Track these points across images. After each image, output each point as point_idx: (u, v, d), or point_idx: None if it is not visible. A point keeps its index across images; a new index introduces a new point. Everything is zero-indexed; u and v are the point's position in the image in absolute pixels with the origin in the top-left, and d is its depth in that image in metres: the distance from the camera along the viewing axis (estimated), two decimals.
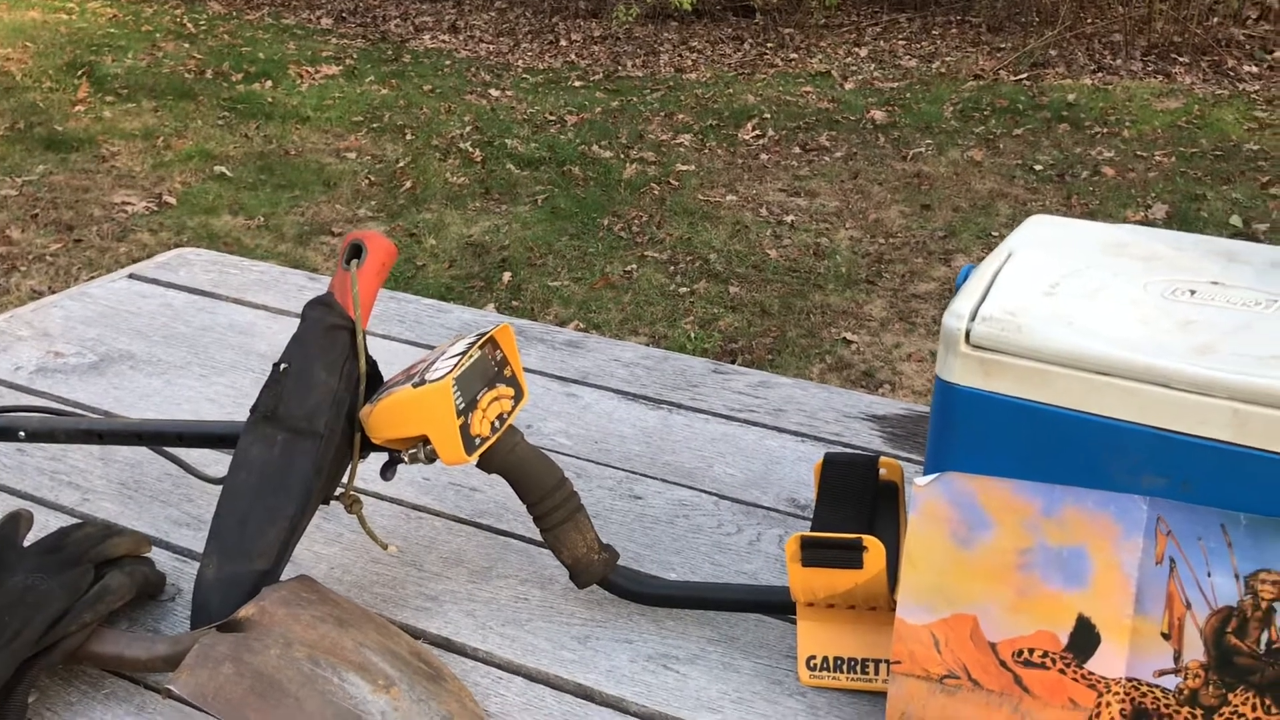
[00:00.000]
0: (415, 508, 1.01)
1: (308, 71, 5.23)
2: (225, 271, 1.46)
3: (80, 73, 4.97)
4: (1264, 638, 0.67)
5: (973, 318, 0.72)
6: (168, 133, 4.47)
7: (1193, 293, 0.75)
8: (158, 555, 0.93)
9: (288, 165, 4.20)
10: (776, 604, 0.84)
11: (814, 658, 0.82)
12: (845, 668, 0.81)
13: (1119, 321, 0.71)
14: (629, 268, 3.47)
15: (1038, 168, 4.27)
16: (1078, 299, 0.74)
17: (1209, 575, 0.68)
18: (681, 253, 3.59)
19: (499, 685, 0.82)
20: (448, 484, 1.04)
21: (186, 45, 5.59)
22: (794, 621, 0.85)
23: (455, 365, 0.81)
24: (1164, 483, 0.68)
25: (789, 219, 3.86)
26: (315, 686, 0.72)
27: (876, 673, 0.81)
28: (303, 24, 6.10)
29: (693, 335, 3.12)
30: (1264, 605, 0.67)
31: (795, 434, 1.14)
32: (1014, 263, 0.78)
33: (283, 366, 0.85)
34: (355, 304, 0.86)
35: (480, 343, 0.84)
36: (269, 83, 5.08)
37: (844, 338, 3.12)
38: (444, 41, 5.91)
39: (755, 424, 1.16)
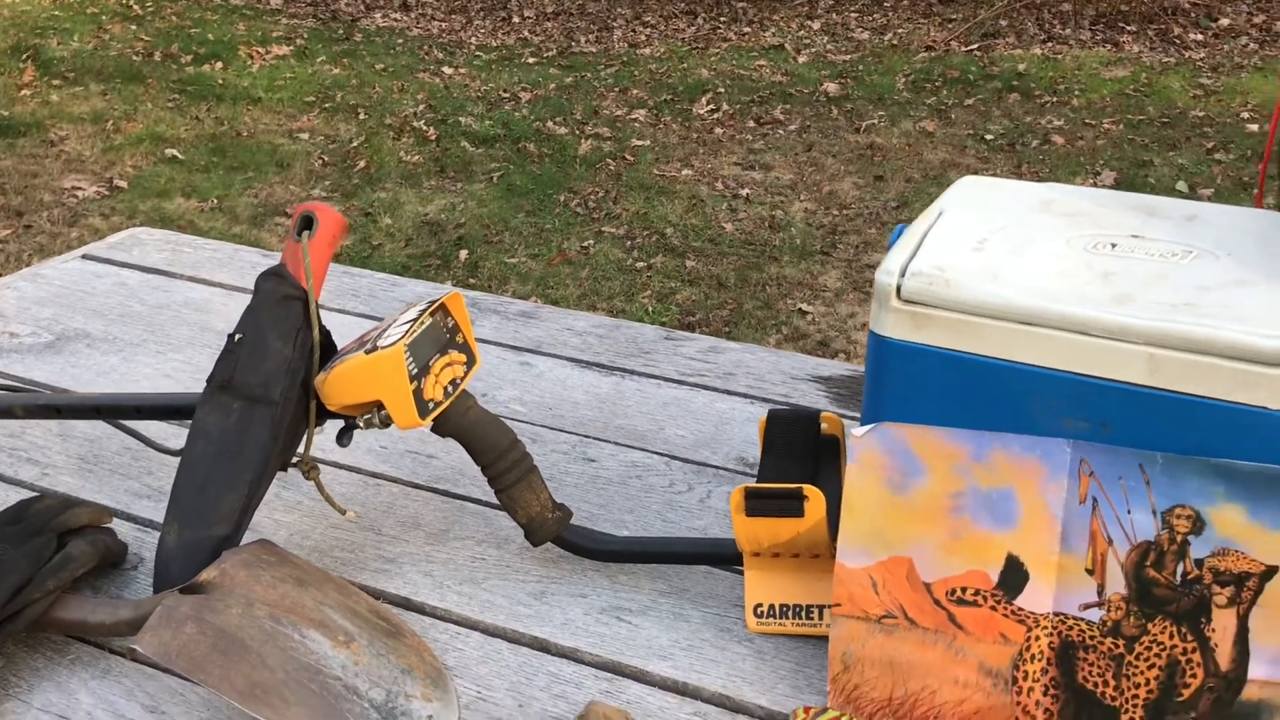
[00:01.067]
0: (373, 475, 1.03)
1: (258, 52, 5.19)
2: (179, 250, 1.47)
3: (25, 56, 4.91)
4: (1179, 569, 0.71)
5: (903, 274, 0.75)
6: (117, 116, 4.43)
7: (1113, 246, 0.78)
8: (120, 526, 0.95)
9: (240, 147, 4.18)
10: (724, 555, 0.87)
11: (761, 605, 0.85)
12: (791, 614, 0.85)
13: (1042, 274, 0.74)
14: (586, 243, 3.49)
15: (989, 137, 4.32)
16: (1004, 254, 0.77)
17: (1129, 512, 0.72)
18: (638, 228, 3.61)
19: (457, 640, 0.85)
20: (405, 451, 1.06)
21: (134, 27, 5.53)
22: (741, 572, 0.88)
23: (407, 332, 0.83)
24: (1086, 426, 0.72)
25: (744, 192, 3.89)
26: (277, 643, 0.75)
27: (820, 617, 0.84)
28: (252, 4, 6.04)
29: (650, 309, 3.14)
30: (1179, 539, 0.71)
31: (744, 396, 1.17)
32: (944, 221, 0.82)
33: (237, 337, 0.87)
34: (307, 274, 0.88)
35: (431, 309, 0.86)
36: (219, 64, 5.04)
37: (799, 309, 3.16)
38: (395, 20, 5.88)
39: (706, 388, 1.19)
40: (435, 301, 0.87)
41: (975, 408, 0.74)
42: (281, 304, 0.87)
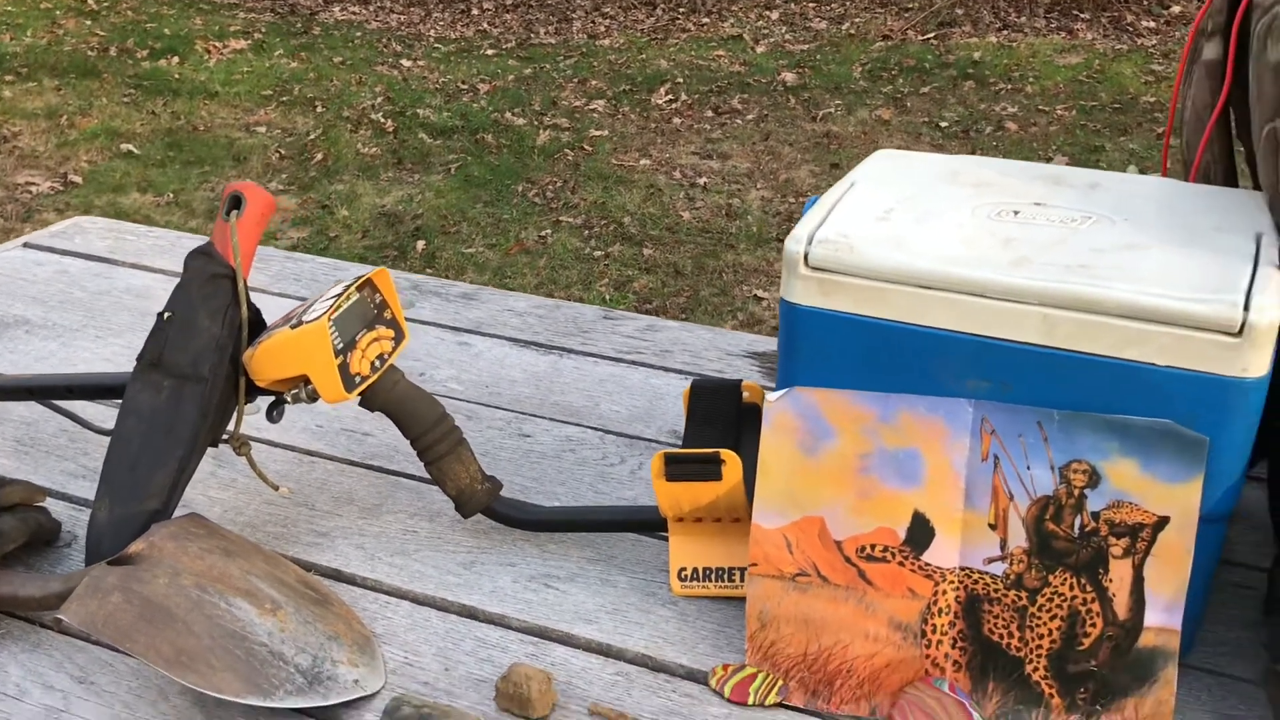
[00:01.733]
0: (308, 453, 1.04)
1: (215, 46, 5.16)
2: (122, 238, 1.47)
3: None
4: (1077, 522, 0.74)
5: (810, 241, 0.77)
6: (71, 111, 4.40)
7: (1016, 213, 0.80)
8: (55, 506, 0.96)
9: (196, 141, 4.16)
10: (649, 522, 0.90)
11: (684, 569, 0.87)
12: (713, 577, 0.87)
13: (945, 241, 0.77)
14: (544, 233, 3.50)
15: (944, 124, 4.36)
16: (909, 222, 0.79)
17: (1028, 468, 0.74)
18: (596, 217, 3.63)
19: (386, 609, 0.86)
20: (340, 429, 1.08)
21: (88, 22, 5.48)
22: (666, 539, 0.90)
23: (332, 306, 0.85)
24: (987, 386, 0.74)
25: (702, 181, 3.91)
26: (203, 611, 0.76)
27: (741, 579, 0.86)
28: None
29: (608, 298, 3.16)
30: (1076, 493, 0.73)
31: (680, 372, 1.19)
32: (854, 192, 0.84)
33: (166, 315, 0.88)
34: (235, 252, 0.89)
35: (357, 285, 0.88)
36: (175, 59, 5.01)
37: (755, 295, 3.19)
38: (354, 13, 5.86)
39: (642, 364, 1.21)
40: (361, 277, 0.88)
41: (882, 371, 0.76)
42: (210, 282, 0.88)
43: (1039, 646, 0.75)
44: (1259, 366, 0.69)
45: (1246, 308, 0.68)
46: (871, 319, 0.76)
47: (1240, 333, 0.68)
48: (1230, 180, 0.90)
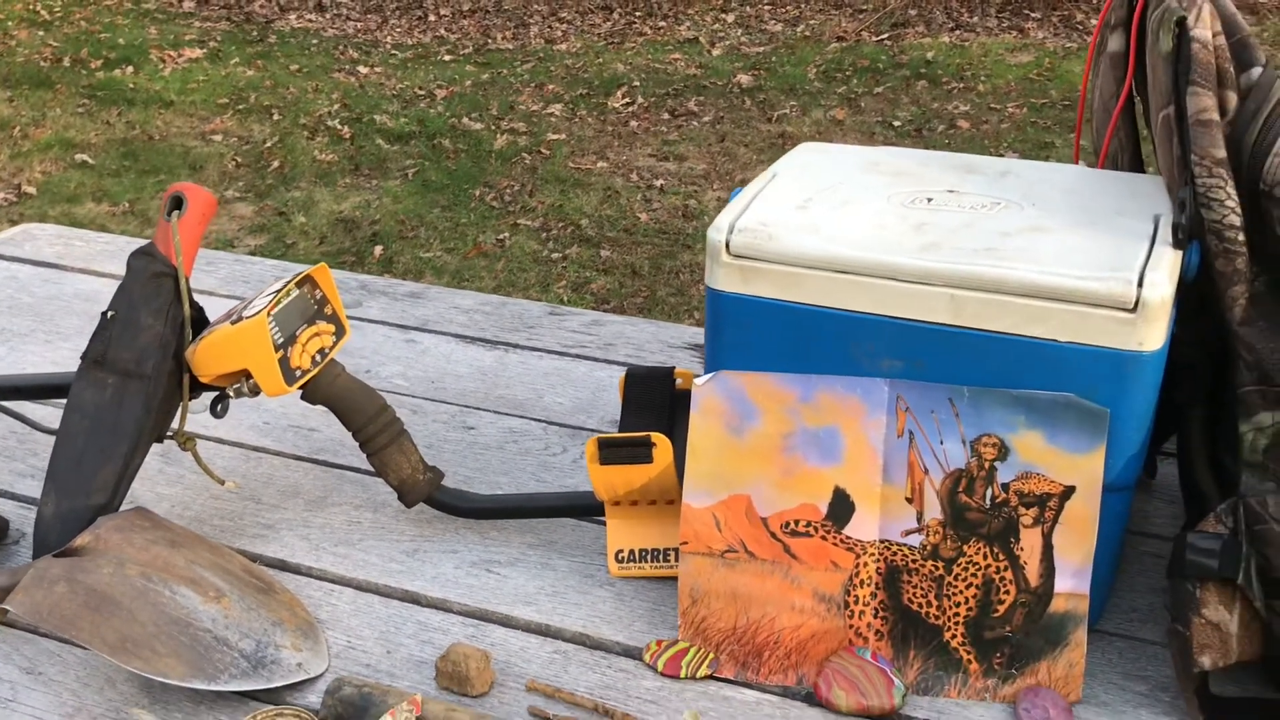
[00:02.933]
0: (255, 448, 1.06)
1: (170, 55, 5.14)
2: (71, 244, 1.48)
3: None
4: (989, 494, 0.77)
5: (731, 230, 0.80)
6: (24, 122, 4.37)
7: (929, 200, 0.84)
8: (4, 506, 0.97)
9: (152, 150, 4.15)
10: (587, 507, 0.92)
11: (621, 551, 0.90)
12: (649, 558, 0.90)
13: (860, 227, 0.80)
14: (501, 236, 3.52)
15: (897, 124, 4.41)
16: (826, 211, 0.82)
17: (941, 443, 0.77)
18: (554, 220, 3.65)
19: (330, 597, 0.88)
20: (286, 426, 1.10)
21: (41, 33, 5.45)
22: (604, 523, 0.93)
23: (271, 302, 0.87)
24: (901, 365, 0.78)
25: (658, 183, 3.94)
26: (147, 599, 0.78)
27: (676, 559, 0.89)
28: (164, 8, 5.98)
29: (566, 299, 3.18)
30: (987, 465, 0.77)
31: (623, 364, 1.22)
32: (776, 183, 0.87)
33: (110, 314, 0.90)
34: (177, 252, 0.91)
35: (297, 280, 0.90)
36: (130, 68, 4.98)
37: None
38: (310, 20, 5.85)
39: (586, 358, 1.23)
40: (300, 274, 0.91)
41: (802, 353, 0.80)
42: (152, 281, 0.90)
43: (956, 614, 0.79)
44: (1154, 340, 0.72)
45: (1140, 284, 0.71)
46: (791, 303, 0.79)
47: (1135, 308, 0.71)
48: (1136, 166, 0.94)
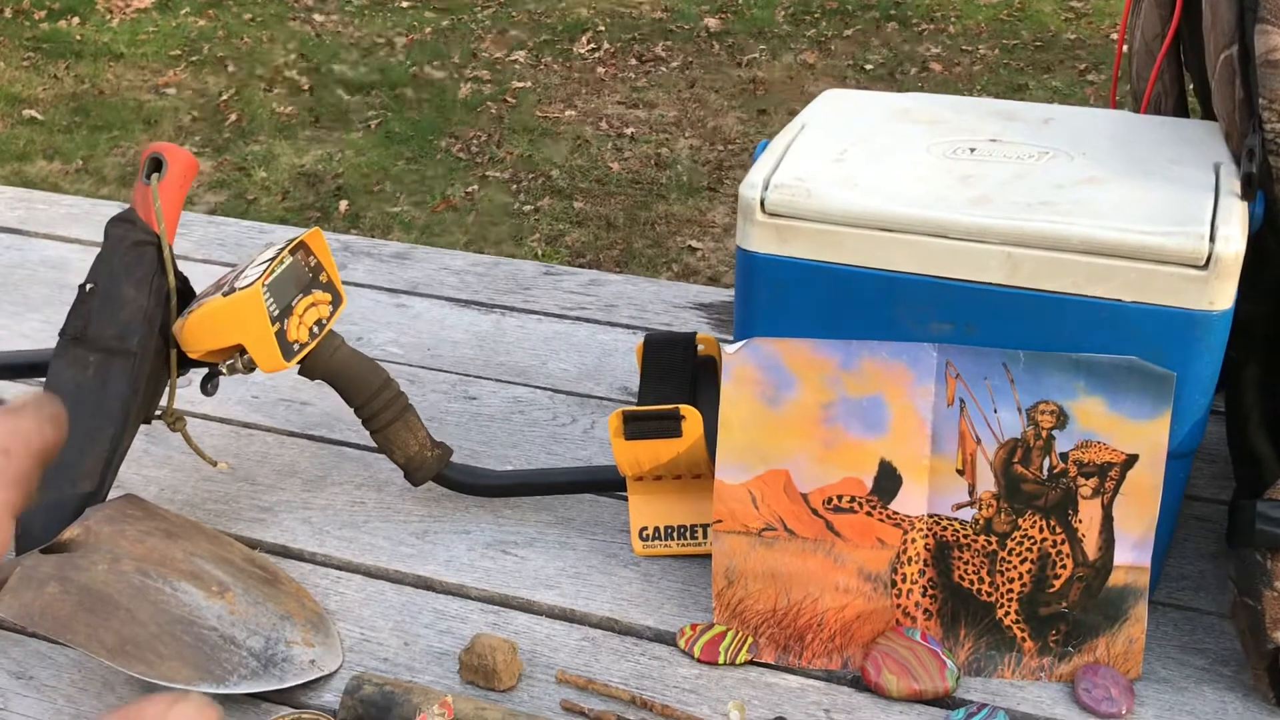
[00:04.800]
0: (246, 425, 1.00)
1: (118, 5, 4.96)
2: (33, 207, 1.40)
3: None
4: (1045, 464, 0.73)
5: (766, 187, 0.74)
6: None
7: (972, 150, 0.79)
8: None
9: (103, 105, 4.01)
10: (607, 482, 0.87)
11: (646, 529, 0.85)
12: (675, 535, 0.85)
13: (902, 181, 0.75)
14: (470, 188, 3.44)
15: (868, 67, 4.34)
16: (864, 163, 0.77)
17: (995, 411, 0.73)
18: (523, 170, 3.56)
19: (338, 584, 0.83)
20: (278, 400, 1.03)
21: None
22: (625, 499, 0.88)
23: (265, 271, 0.80)
24: (950, 329, 0.73)
25: (629, 131, 3.86)
26: (147, 597, 0.72)
27: (704, 536, 0.84)
28: None
29: (540, 253, 3.11)
30: (1044, 434, 0.72)
31: (627, 327, 1.17)
32: (806, 134, 0.81)
33: (89, 286, 0.83)
34: (159, 217, 0.84)
35: (290, 248, 0.83)
36: (75, 19, 4.81)
37: (689, 245, 3.16)
38: None
39: (588, 320, 1.18)
40: (294, 239, 0.84)
41: (843, 317, 0.74)
42: (133, 250, 0.84)
43: (1010, 591, 0.75)
44: (1224, 299, 0.68)
45: (1212, 239, 0.67)
46: (831, 264, 0.74)
47: (1206, 265, 0.67)
48: (1181, 111, 0.89)
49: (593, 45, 4.61)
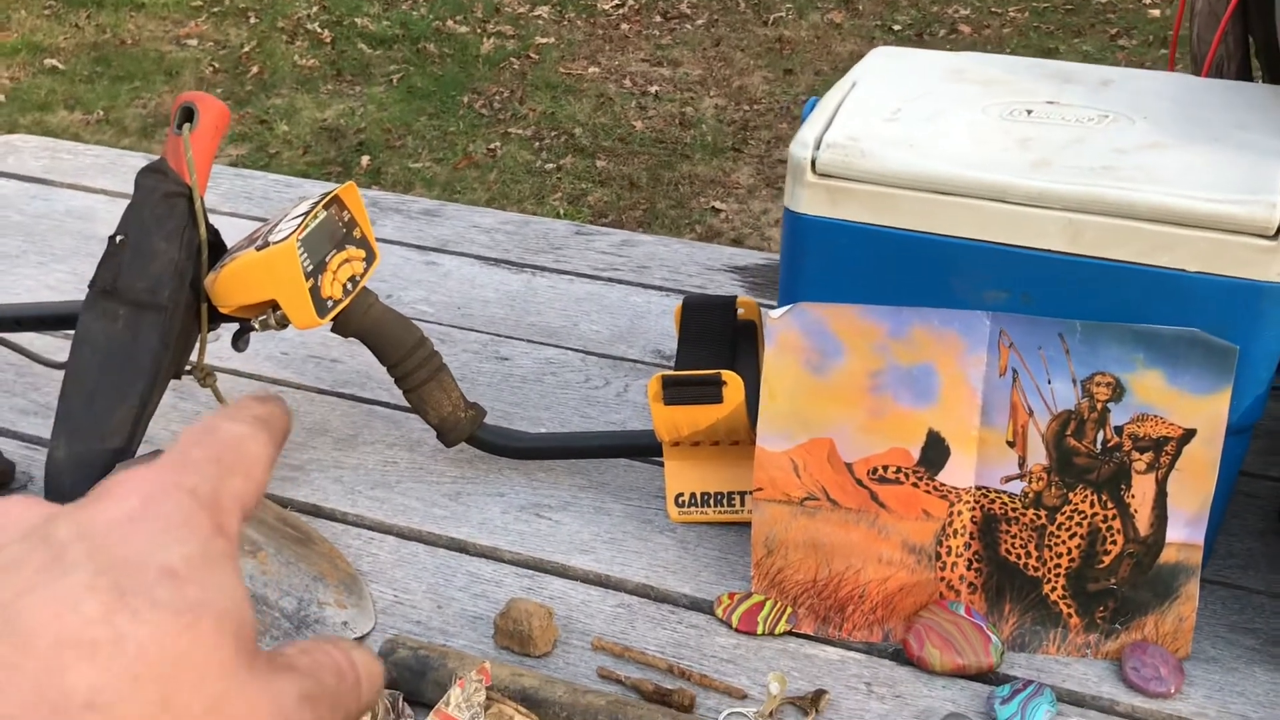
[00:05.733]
0: (275, 382, 0.99)
1: None
2: (58, 157, 1.38)
3: None
4: (1099, 437, 0.71)
5: (818, 146, 0.72)
6: None
7: (1029, 112, 0.76)
8: (6, 445, 0.90)
9: (125, 55, 3.98)
10: (643, 447, 0.86)
11: (682, 495, 0.84)
12: (712, 502, 0.83)
13: (958, 142, 0.72)
14: (492, 145, 3.41)
15: (896, 28, 4.28)
16: (919, 123, 0.74)
17: (1049, 382, 0.71)
18: (545, 128, 3.53)
19: (371, 545, 0.82)
20: (307, 356, 1.02)
21: None
22: (661, 464, 0.87)
23: (299, 226, 0.79)
24: (1005, 296, 0.71)
25: (653, 89, 3.81)
26: None
27: (742, 504, 0.83)
28: None
29: (561, 211, 3.08)
30: (1099, 407, 0.70)
31: (659, 289, 1.15)
32: (857, 92, 0.79)
33: (119, 238, 0.81)
34: (190, 169, 0.82)
35: (325, 202, 0.81)
36: None
37: (713, 206, 3.13)
38: None
39: (620, 281, 1.16)
40: (328, 194, 0.82)
41: (893, 283, 0.72)
42: (164, 201, 0.82)
43: (1057, 566, 0.73)
44: None
45: None
46: (883, 228, 0.71)
47: (1276, 235, 0.64)
48: (1245, 75, 0.86)
49: (617, 1, 4.55)
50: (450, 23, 4.28)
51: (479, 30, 4.23)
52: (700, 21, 4.36)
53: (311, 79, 3.81)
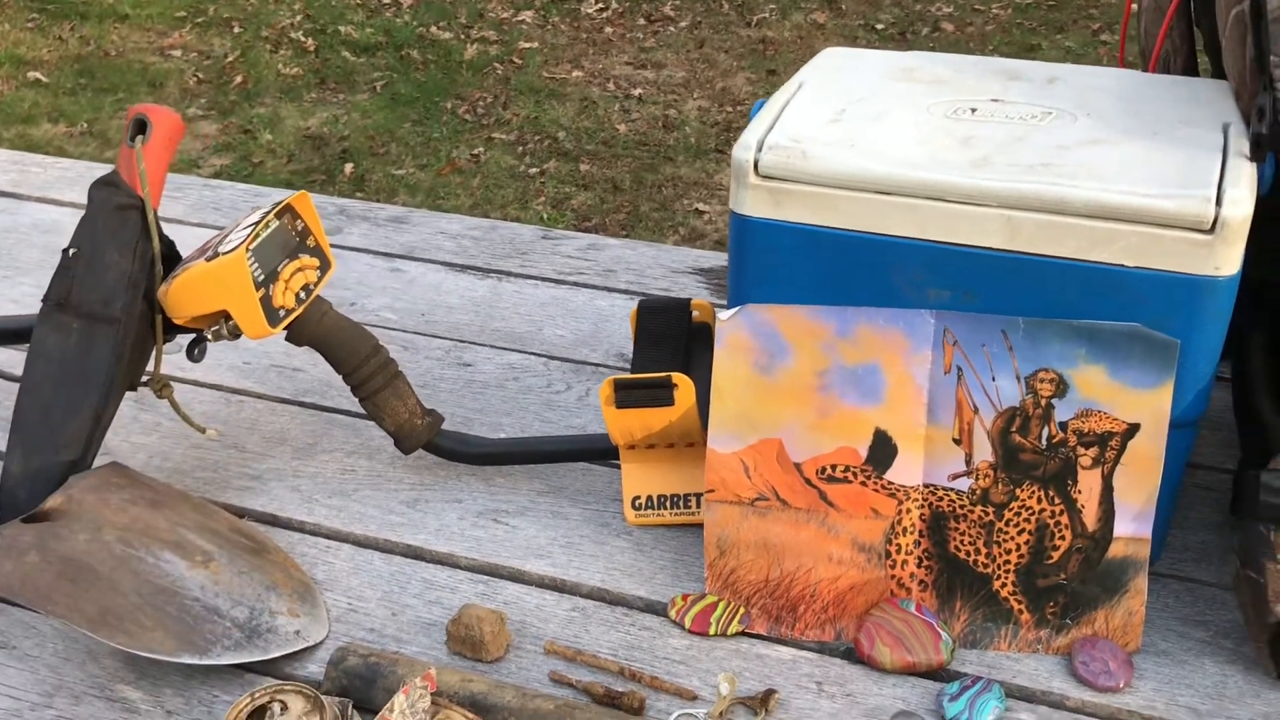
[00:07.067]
0: (235, 391, 0.99)
1: None
2: (26, 170, 1.38)
3: None
4: (1044, 433, 0.71)
5: (760, 148, 0.72)
6: None
7: (973, 111, 0.76)
8: None
9: (109, 67, 3.98)
10: (600, 451, 0.86)
11: (638, 498, 0.84)
12: (668, 504, 0.83)
13: (901, 142, 0.73)
14: (476, 151, 3.41)
15: (879, 27, 4.29)
16: (862, 124, 0.75)
17: (993, 379, 0.71)
18: (529, 132, 3.53)
19: (327, 554, 0.82)
20: (269, 366, 1.02)
21: None
22: (618, 467, 0.87)
23: (250, 235, 0.79)
24: (948, 295, 0.71)
25: (636, 92, 3.82)
26: (129, 567, 0.71)
27: (698, 505, 0.83)
28: None
29: (545, 216, 3.09)
30: (1043, 403, 0.71)
31: (625, 292, 1.15)
32: (803, 94, 0.79)
33: (72, 251, 0.82)
34: (143, 181, 0.82)
35: (276, 211, 0.82)
36: None
37: (696, 208, 3.13)
38: None
39: (585, 285, 1.16)
40: (280, 203, 0.82)
41: (838, 283, 0.73)
42: (117, 214, 0.82)
43: (1007, 562, 0.73)
44: (1231, 264, 0.66)
45: (1219, 202, 0.65)
46: (826, 229, 0.72)
47: (1213, 229, 0.65)
48: (1191, 69, 0.87)
49: (601, 5, 4.56)
50: (434, 29, 4.29)
51: (462, 36, 4.23)
52: (684, 24, 4.37)
53: (295, 88, 3.81)
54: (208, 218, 1.27)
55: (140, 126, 0.85)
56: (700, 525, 0.83)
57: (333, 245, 1.21)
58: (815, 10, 4.42)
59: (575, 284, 1.16)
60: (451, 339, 1.07)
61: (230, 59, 4.01)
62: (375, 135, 3.46)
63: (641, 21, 4.40)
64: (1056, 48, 4.01)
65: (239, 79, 3.87)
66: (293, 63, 3.98)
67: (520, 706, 0.66)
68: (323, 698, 0.65)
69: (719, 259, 1.20)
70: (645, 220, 3.05)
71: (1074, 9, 4.36)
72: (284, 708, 0.65)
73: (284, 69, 3.93)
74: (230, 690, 0.71)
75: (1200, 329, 0.68)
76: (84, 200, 1.29)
